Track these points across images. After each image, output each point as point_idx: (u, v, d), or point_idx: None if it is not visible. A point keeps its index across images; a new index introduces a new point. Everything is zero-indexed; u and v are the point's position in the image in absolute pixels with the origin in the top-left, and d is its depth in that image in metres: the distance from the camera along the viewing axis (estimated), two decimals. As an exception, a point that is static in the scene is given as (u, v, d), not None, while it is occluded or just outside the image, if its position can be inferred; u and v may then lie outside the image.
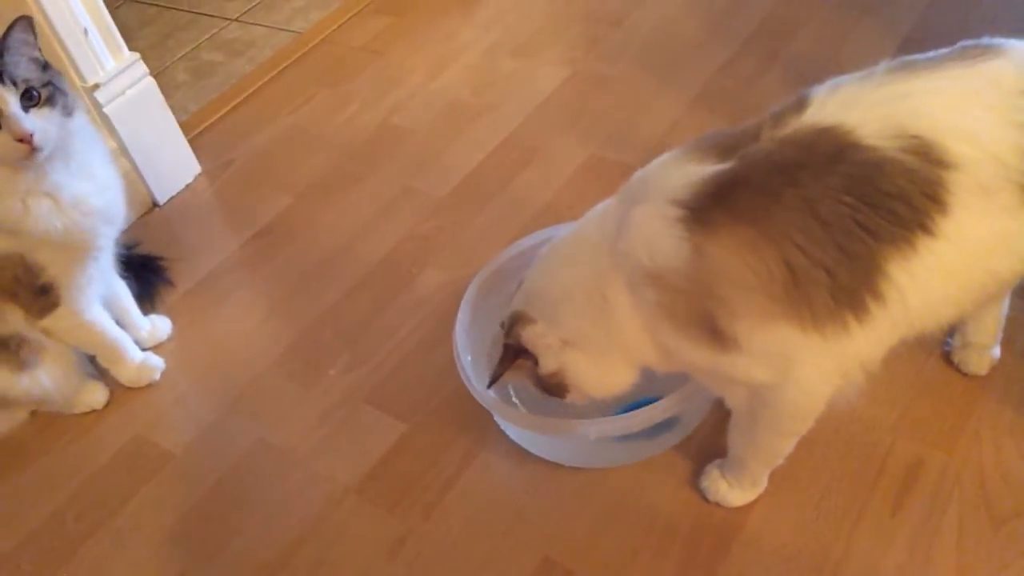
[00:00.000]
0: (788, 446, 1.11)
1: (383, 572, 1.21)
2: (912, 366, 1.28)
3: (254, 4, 2.49)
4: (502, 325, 1.16)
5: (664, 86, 1.89)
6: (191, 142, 1.94)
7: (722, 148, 0.96)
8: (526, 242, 1.42)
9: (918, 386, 1.26)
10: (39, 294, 1.33)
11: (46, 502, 1.39)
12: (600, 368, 1.09)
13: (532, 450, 1.28)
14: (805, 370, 0.96)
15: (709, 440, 1.25)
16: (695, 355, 0.99)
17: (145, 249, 1.70)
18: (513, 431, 1.30)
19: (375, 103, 2.02)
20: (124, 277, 1.54)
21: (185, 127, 1.95)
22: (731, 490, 1.18)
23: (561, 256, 1.11)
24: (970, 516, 1.11)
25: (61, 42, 1.64)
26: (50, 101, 1.23)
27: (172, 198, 1.88)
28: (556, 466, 1.27)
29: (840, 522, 1.14)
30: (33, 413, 1.50)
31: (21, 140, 1.18)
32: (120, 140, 1.76)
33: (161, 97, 1.83)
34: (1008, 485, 1.13)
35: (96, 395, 1.50)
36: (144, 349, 1.55)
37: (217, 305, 1.65)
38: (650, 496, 1.22)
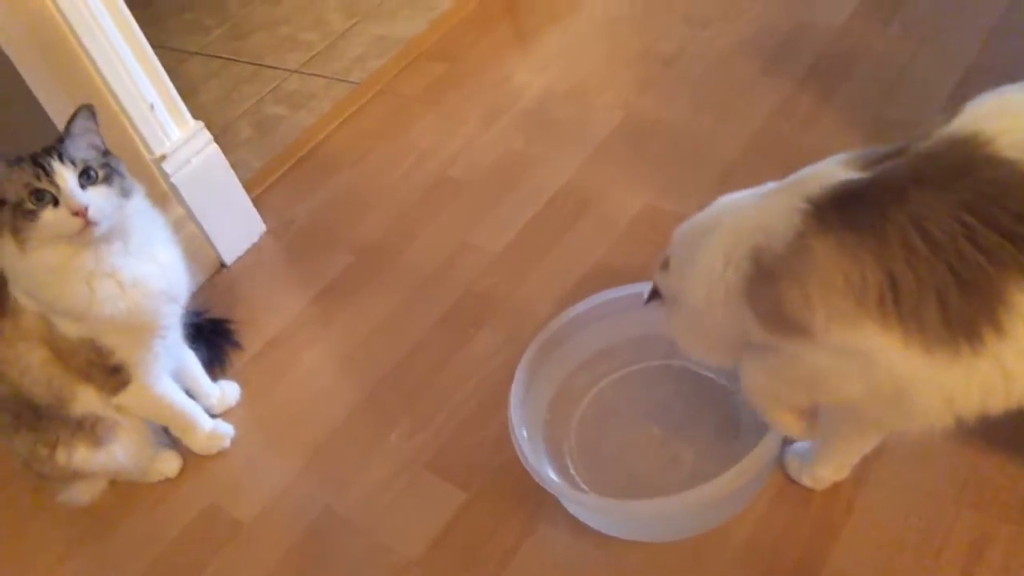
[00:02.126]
0: (867, 444, 1.14)
1: (446, 646, 1.24)
2: (974, 431, 1.25)
3: (314, 54, 2.55)
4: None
5: (718, 129, 1.87)
6: (255, 201, 2.00)
7: (871, 160, 0.95)
8: (577, 309, 1.43)
9: (979, 453, 1.23)
10: (111, 374, 1.39)
11: (126, 571, 1.45)
12: (689, 333, 1.17)
13: (590, 524, 1.29)
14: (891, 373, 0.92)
15: (768, 514, 1.25)
16: (765, 339, 1.01)
17: (214, 313, 1.76)
18: (571, 506, 1.31)
19: (431, 155, 2.05)
20: (194, 343, 1.60)
21: (249, 185, 2.01)
22: (815, 470, 1.22)
23: (713, 216, 1.10)
24: (1039, 595, 1.09)
25: (129, 118, 1.71)
26: (107, 180, 1.29)
27: (239, 258, 1.94)
28: (613, 539, 1.28)
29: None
30: (112, 482, 1.57)
31: (76, 214, 1.23)
32: (187, 207, 1.83)
33: (225, 161, 1.89)
34: (1079, 562, 1.10)
35: (169, 464, 1.56)
36: (214, 416, 1.60)
37: (284, 368, 1.70)
38: (713, 568, 1.22)
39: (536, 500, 1.32)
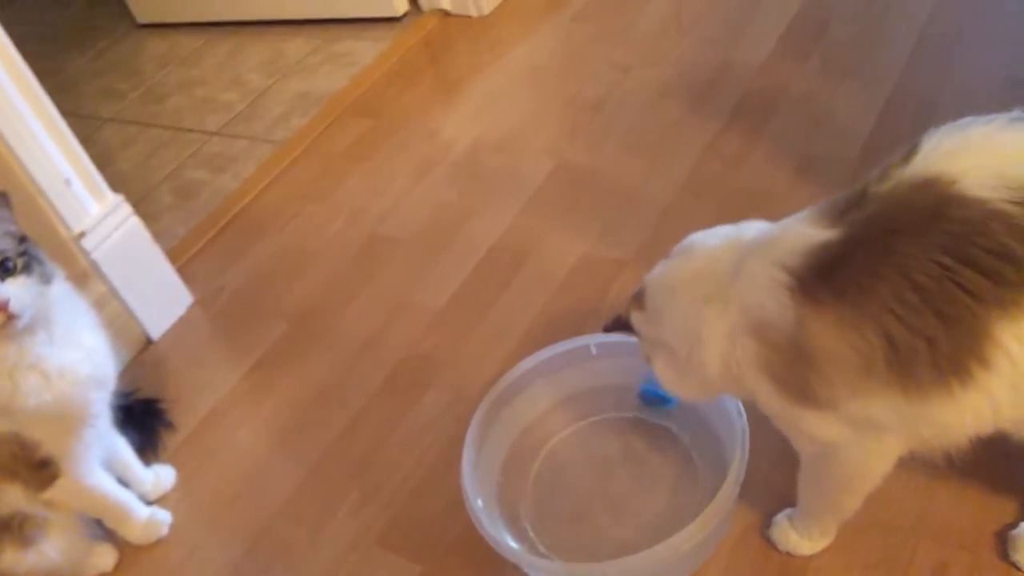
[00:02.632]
0: (856, 502, 1.11)
1: None
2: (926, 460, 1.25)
3: (234, 115, 2.49)
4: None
5: (651, 172, 1.88)
6: (181, 270, 1.93)
7: (836, 211, 0.95)
8: (523, 365, 1.41)
9: (933, 481, 1.23)
10: (38, 468, 1.31)
11: (62, 677, 1.36)
12: (678, 378, 1.14)
13: (551, 587, 1.25)
14: (887, 437, 0.98)
15: (731, 564, 1.22)
16: (780, 406, 1.02)
17: (143, 393, 1.68)
18: (532, 572, 1.26)
19: (362, 213, 2.01)
20: (124, 427, 1.52)
21: (173, 255, 1.94)
22: (801, 540, 1.20)
23: (691, 267, 1.10)
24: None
25: (44, 194, 1.63)
26: (27, 270, 1.22)
27: (166, 333, 1.86)
28: (577, 603, 1.24)
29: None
30: (42, 581, 1.48)
31: None
32: (109, 283, 1.75)
33: (147, 233, 1.82)
34: (1040, 588, 1.10)
35: (105, 558, 1.47)
36: (149, 503, 1.52)
37: (221, 447, 1.63)
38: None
39: (495, 567, 1.27)
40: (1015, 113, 0.91)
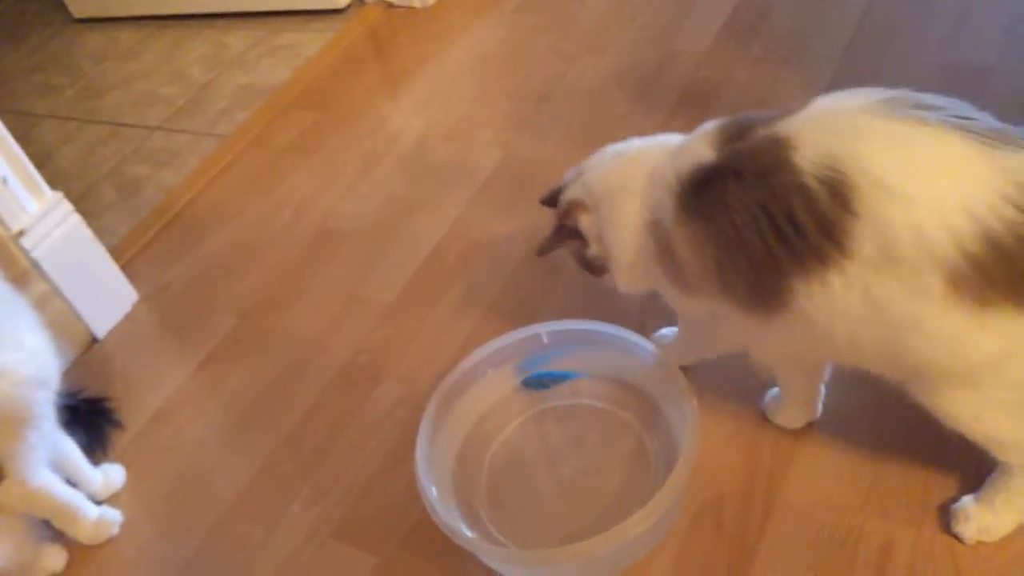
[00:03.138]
0: (792, 383, 1.29)
1: None
2: (873, 439, 1.29)
3: (175, 110, 2.46)
4: (545, 202, 1.37)
5: (597, 161, 1.89)
6: (125, 267, 1.90)
7: (727, 136, 1.07)
8: (475, 356, 1.41)
9: (880, 461, 1.26)
10: (-20, 470, 1.29)
11: None
12: (629, 271, 1.25)
13: (506, 574, 1.26)
14: (754, 336, 1.16)
15: (684, 545, 1.24)
16: (673, 293, 1.22)
17: (89, 392, 1.65)
18: (487, 559, 1.27)
19: (309, 207, 2.00)
20: (70, 427, 1.49)
21: (116, 252, 1.91)
22: (773, 410, 1.34)
23: (620, 170, 1.23)
24: (948, 596, 1.12)
25: (-21, 193, 1.60)
26: None
27: (111, 331, 1.83)
28: (533, 588, 1.26)
29: (823, 618, 1.14)
30: (-10, 586, 1.45)
31: None
32: (51, 282, 1.72)
33: (89, 232, 1.79)
34: (979, 558, 1.14)
35: (54, 559, 1.44)
36: (99, 502, 1.50)
37: (171, 445, 1.61)
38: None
39: (451, 556, 1.27)
40: (903, 93, 0.97)
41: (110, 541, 1.47)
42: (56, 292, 1.74)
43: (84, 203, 2.07)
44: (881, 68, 1.90)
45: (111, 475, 1.55)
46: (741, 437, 1.34)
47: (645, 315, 1.48)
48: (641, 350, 1.35)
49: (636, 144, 1.25)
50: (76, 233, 1.76)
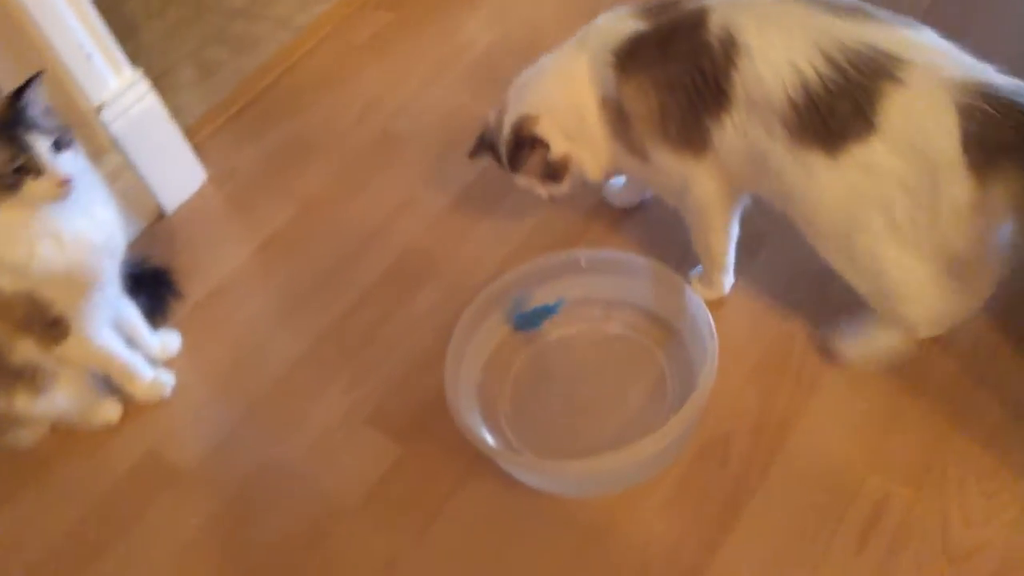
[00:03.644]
0: (719, 242, 1.42)
1: (379, 592, 1.30)
2: (883, 398, 1.33)
3: (258, -4, 2.51)
4: (487, 133, 1.53)
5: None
6: (197, 147, 1.99)
7: (656, 10, 1.28)
8: (517, 272, 1.49)
9: (891, 421, 1.31)
10: (50, 326, 1.40)
11: (68, 514, 1.48)
12: (591, 155, 1.42)
13: (522, 480, 1.35)
14: (692, 179, 1.32)
15: (687, 474, 1.32)
16: (630, 163, 1.39)
17: (154, 262, 1.76)
18: (503, 464, 1.36)
19: (376, 107, 2.06)
20: (134, 294, 1.60)
21: (190, 132, 2.00)
22: (702, 288, 1.47)
23: (550, 76, 1.42)
24: (927, 555, 1.17)
25: (65, 67, 1.68)
26: (71, 145, 1.32)
27: (179, 207, 1.94)
28: (539, 494, 1.34)
29: (807, 559, 1.20)
30: (53, 427, 1.58)
31: (60, 184, 1.27)
32: (127, 155, 1.82)
33: (165, 110, 1.87)
34: (967, 525, 1.19)
35: (110, 411, 1.58)
36: (155, 365, 1.62)
37: (226, 318, 1.72)
38: (625, 527, 1.28)
39: (469, 455, 1.36)
40: None
41: (162, 402, 1.60)
42: (130, 166, 1.83)
43: (163, 80, 2.14)
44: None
45: (168, 341, 1.66)
46: (760, 381, 1.39)
47: (685, 256, 1.53)
48: (674, 285, 1.40)
49: (548, 58, 1.43)
50: (153, 110, 1.85)
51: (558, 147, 1.42)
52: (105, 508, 1.47)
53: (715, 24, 1.18)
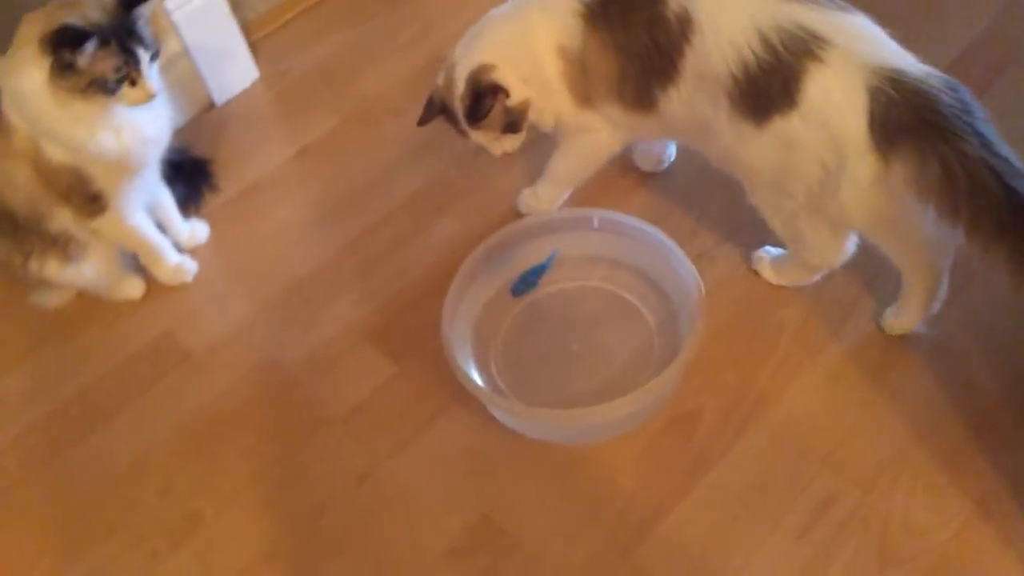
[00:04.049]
0: (584, 175, 1.59)
1: (349, 496, 1.39)
2: (858, 399, 1.38)
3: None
4: (436, 94, 1.53)
5: None
6: (253, 45, 2.04)
7: None
8: (528, 220, 1.54)
9: (859, 421, 1.36)
10: (89, 200, 1.49)
11: (81, 377, 1.59)
12: (547, 101, 1.45)
13: (500, 420, 1.42)
14: (617, 133, 1.47)
15: (657, 437, 1.38)
16: (567, 106, 1.44)
17: (196, 152, 1.84)
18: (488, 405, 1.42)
19: (431, 32, 2.08)
20: (171, 181, 1.68)
21: (248, 29, 2.04)
22: (535, 201, 1.63)
23: (502, 25, 1.46)
24: (862, 555, 1.24)
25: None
26: (157, 56, 1.42)
27: (228, 101, 2.00)
28: (513, 433, 1.41)
29: (750, 535, 1.27)
30: (79, 293, 1.68)
31: (149, 95, 1.41)
32: (184, 44, 1.87)
33: (227, 5, 1.92)
34: (906, 533, 1.25)
35: (134, 288, 1.68)
36: (182, 251, 1.71)
37: (255, 217, 1.80)
38: (594, 474, 1.36)
39: (455, 385, 1.40)
40: None
41: (183, 286, 1.69)
42: (187, 54, 1.89)
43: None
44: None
45: (197, 230, 1.75)
46: (742, 364, 1.44)
47: (696, 229, 1.57)
48: (678, 260, 1.44)
49: (496, 11, 1.46)
50: (215, 2, 1.90)
51: (517, 93, 1.43)
52: (116, 378, 1.58)
53: (674, 1, 1.26)
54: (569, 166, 1.58)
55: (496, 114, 1.45)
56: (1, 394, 1.59)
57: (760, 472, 1.33)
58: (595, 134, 1.48)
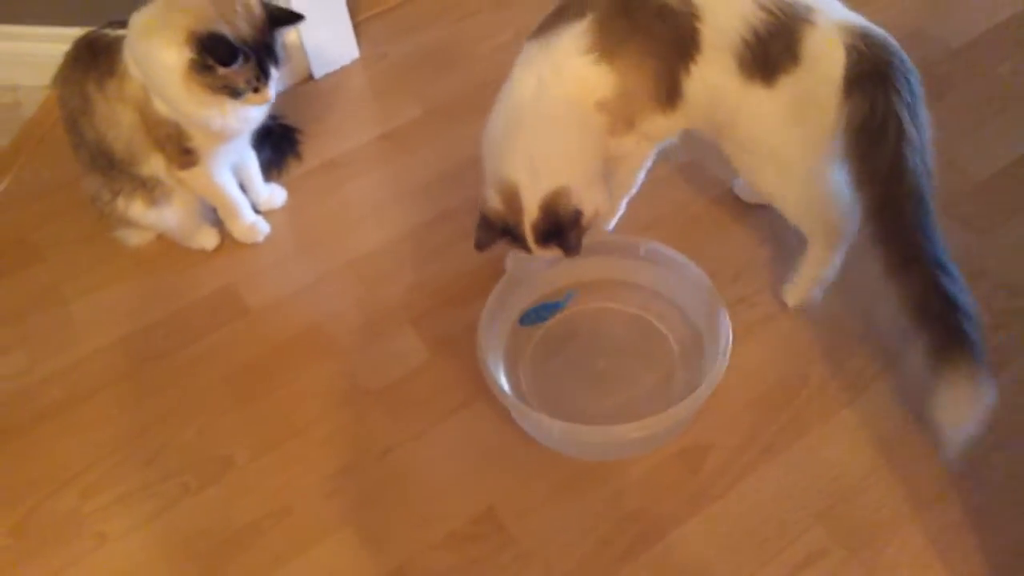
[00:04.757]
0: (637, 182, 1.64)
1: (370, 467, 1.48)
2: (862, 464, 1.42)
3: None
4: (494, 218, 1.46)
5: None
6: (358, 26, 2.15)
7: (570, 10, 1.40)
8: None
9: (859, 484, 1.39)
10: (183, 153, 1.61)
11: (147, 314, 1.72)
12: (602, 189, 1.46)
13: (519, 423, 1.50)
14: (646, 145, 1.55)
15: (663, 466, 1.44)
16: (616, 143, 1.47)
17: (287, 120, 1.95)
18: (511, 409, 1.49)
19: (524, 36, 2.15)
20: (260, 145, 1.80)
21: (356, 9, 2.15)
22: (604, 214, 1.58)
23: (553, 128, 1.43)
24: (835, 618, 1.28)
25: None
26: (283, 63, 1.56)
27: (326, 75, 2.11)
28: (529, 437, 1.49)
29: (742, 569, 1.33)
30: (159, 236, 1.82)
31: (266, 101, 1.55)
32: (294, 16, 1.98)
33: (339, -14, 2.03)
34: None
35: (209, 239, 1.80)
36: (258, 212, 1.82)
37: (329, 191, 1.90)
38: (598, 490, 1.43)
39: (482, 382, 1.48)
40: None
41: (254, 245, 1.81)
42: (295, 28, 1.99)
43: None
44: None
45: (275, 194, 1.87)
46: (759, 409, 1.49)
47: (742, 275, 1.63)
48: (714, 301, 1.49)
49: (526, 105, 1.45)
50: (328, -17, 2.01)
51: (589, 207, 1.42)
52: (177, 320, 1.71)
53: None
54: (618, 184, 1.61)
55: (576, 237, 1.43)
56: (71, 318, 1.73)
57: (755, 516, 1.38)
58: (632, 156, 1.55)
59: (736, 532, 1.37)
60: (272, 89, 1.53)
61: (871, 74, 1.28)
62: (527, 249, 1.44)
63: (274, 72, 1.51)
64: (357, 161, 1.96)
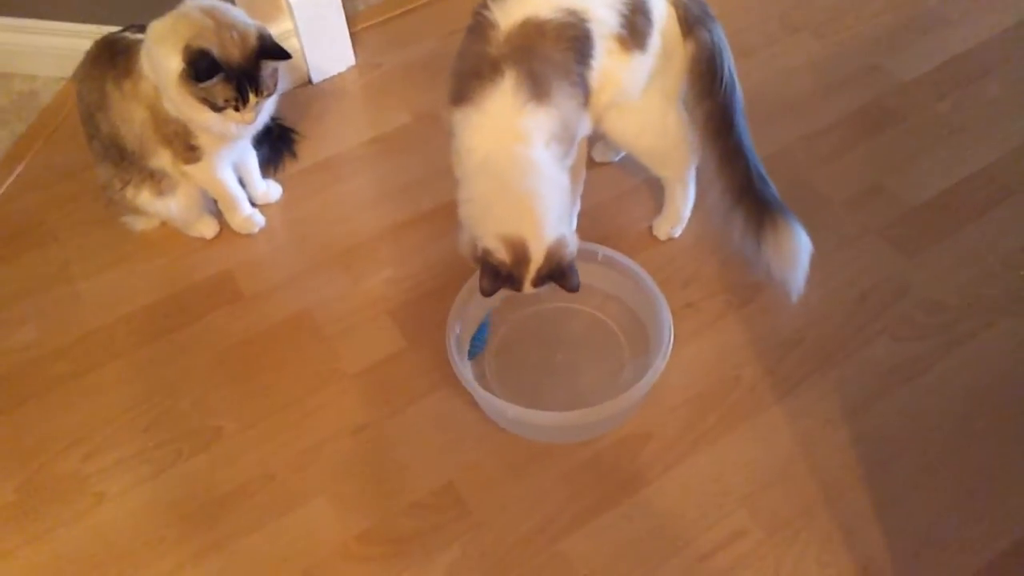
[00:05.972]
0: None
1: (343, 443, 1.64)
2: (786, 455, 1.58)
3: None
4: (499, 267, 1.48)
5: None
6: (355, 35, 2.30)
7: (483, 72, 1.51)
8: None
9: (781, 475, 1.56)
10: (188, 149, 1.76)
11: (149, 294, 1.88)
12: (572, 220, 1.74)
13: (482, 406, 1.66)
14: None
15: (605, 451, 1.61)
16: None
17: (285, 121, 2.11)
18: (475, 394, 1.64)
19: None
20: (259, 142, 1.95)
21: (355, 19, 2.30)
22: None
23: (545, 188, 1.50)
24: (746, 591, 1.45)
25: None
26: (272, 93, 1.69)
27: (323, 81, 2.27)
28: (488, 419, 1.65)
29: (657, 551, 1.48)
30: (162, 223, 1.97)
31: (245, 123, 1.68)
32: (296, 24, 2.14)
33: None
34: (792, 578, 1.46)
35: (208, 228, 1.96)
36: (254, 206, 1.98)
37: (321, 188, 2.06)
38: (546, 470, 1.59)
39: (450, 370, 1.64)
40: None
41: (249, 236, 1.97)
42: (296, 33, 2.16)
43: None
44: None
45: (272, 190, 2.02)
46: (695, 406, 1.65)
47: (691, 282, 1.79)
48: (660, 306, 1.64)
49: (521, 172, 1.49)
50: (329, -5, 2.16)
51: (574, 245, 1.51)
52: (177, 301, 1.86)
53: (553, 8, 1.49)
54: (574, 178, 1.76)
55: (576, 275, 1.52)
56: (79, 296, 1.88)
57: (685, 499, 1.54)
58: (577, 158, 1.72)
59: (667, 512, 1.53)
60: (254, 113, 1.67)
61: (697, 18, 1.59)
62: (518, 289, 1.51)
63: (253, 99, 1.64)
64: (348, 162, 2.11)
